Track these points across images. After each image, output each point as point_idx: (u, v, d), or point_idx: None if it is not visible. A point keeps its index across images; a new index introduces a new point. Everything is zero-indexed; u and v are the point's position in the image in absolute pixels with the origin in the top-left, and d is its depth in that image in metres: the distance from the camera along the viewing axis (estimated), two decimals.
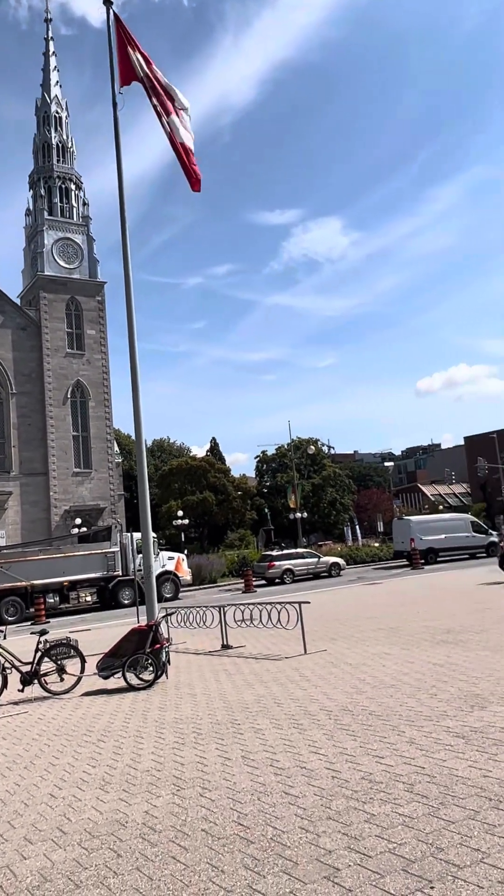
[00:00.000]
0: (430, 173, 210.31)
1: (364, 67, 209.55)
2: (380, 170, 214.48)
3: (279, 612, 14.03)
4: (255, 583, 33.84)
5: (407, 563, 37.46)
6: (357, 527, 66.71)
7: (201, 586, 37.17)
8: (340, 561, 38.05)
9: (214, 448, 79.44)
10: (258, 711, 8.56)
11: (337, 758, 6.28)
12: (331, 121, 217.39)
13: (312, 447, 67.14)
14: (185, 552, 39.99)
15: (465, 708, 7.57)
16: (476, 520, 42.74)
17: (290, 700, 9.02)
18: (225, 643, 14.76)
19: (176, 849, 4.69)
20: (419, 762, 5.90)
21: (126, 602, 30.32)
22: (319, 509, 69.32)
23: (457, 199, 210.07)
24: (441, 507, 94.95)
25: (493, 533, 41.81)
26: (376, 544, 53.41)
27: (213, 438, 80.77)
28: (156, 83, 14.25)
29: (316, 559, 36.98)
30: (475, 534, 39.76)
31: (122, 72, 14.57)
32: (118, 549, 31.96)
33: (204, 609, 16.55)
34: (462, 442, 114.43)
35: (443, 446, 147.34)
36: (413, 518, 42.64)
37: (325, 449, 79.48)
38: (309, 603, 14.10)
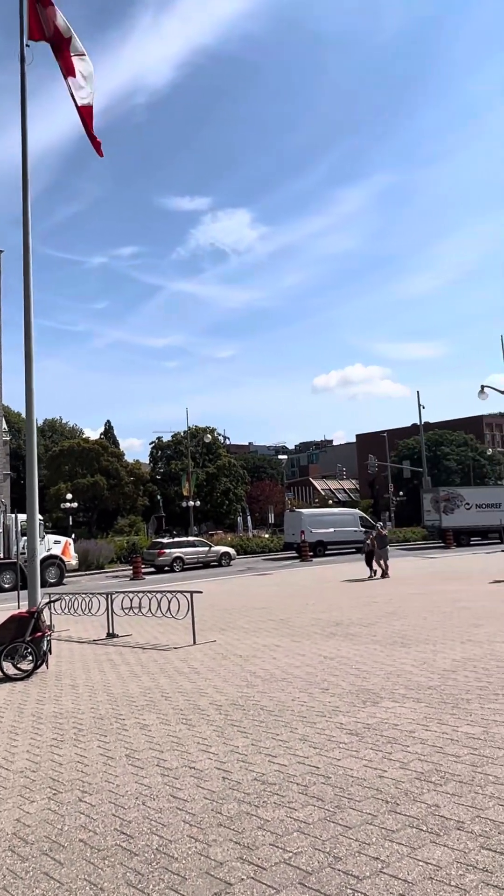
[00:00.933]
0: (338, 175, 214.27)
1: (281, 63, 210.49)
2: (290, 167, 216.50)
3: (169, 601, 13.62)
4: (144, 570, 33.21)
5: (296, 554, 37.92)
6: (249, 517, 67.19)
7: (88, 572, 36.07)
8: (231, 551, 37.99)
9: (108, 431, 77.67)
10: (144, 705, 8.14)
11: (228, 757, 5.98)
12: (246, 113, 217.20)
13: (209, 436, 66.90)
14: (73, 536, 38.70)
15: (358, 703, 7.47)
16: (364, 515, 43.88)
17: (179, 693, 8.66)
18: (111, 632, 14.19)
19: (50, 863, 4.23)
20: (313, 761, 5.69)
21: (7, 586, 28.91)
22: (213, 498, 69.23)
23: (363, 203, 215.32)
24: (331, 501, 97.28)
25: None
26: (267, 535, 53.90)
27: (108, 421, 79.04)
28: (61, 37, 13.37)
29: (207, 548, 36.74)
30: (363, 528, 40.81)
31: (32, 26, 13.59)
32: (1, 530, 30.43)
33: (90, 596, 15.88)
34: (354, 439, 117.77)
35: (335, 443, 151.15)
36: (304, 511, 43.24)
37: (221, 439, 79.50)
38: (201, 592, 13.77)
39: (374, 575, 23.93)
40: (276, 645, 11.84)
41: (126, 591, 15.32)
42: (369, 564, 24.51)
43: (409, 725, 6.50)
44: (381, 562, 23.76)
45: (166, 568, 34.70)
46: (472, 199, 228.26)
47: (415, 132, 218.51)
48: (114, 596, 14.76)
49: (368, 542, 24.95)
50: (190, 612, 12.87)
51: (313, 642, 11.84)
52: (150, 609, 14.34)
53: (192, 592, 13.11)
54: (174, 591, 13.79)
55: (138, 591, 14.98)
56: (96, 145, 13.66)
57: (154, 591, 14.53)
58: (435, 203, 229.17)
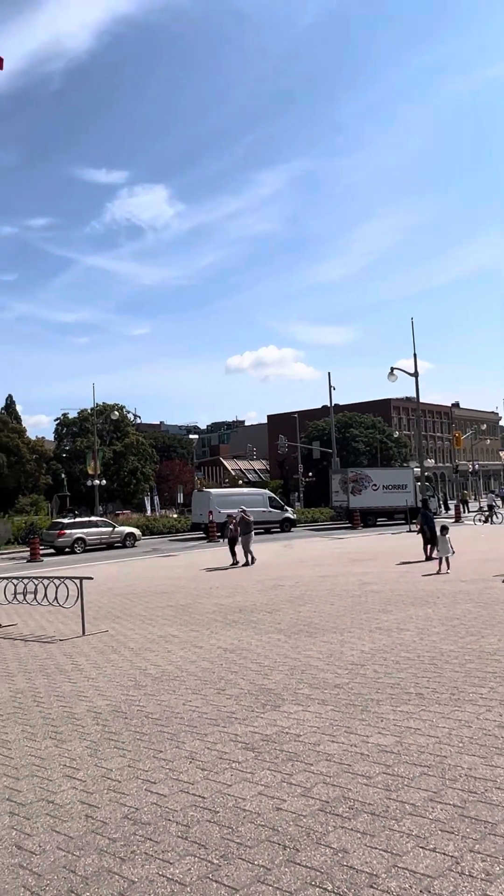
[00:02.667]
0: (257, 157, 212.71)
1: (205, 40, 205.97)
2: (210, 145, 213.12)
3: (57, 588, 12.38)
4: (42, 552, 31.47)
5: (204, 535, 37.03)
6: (157, 497, 65.69)
7: None
8: (136, 531, 36.68)
9: (10, 406, 73.96)
10: (10, 714, 6.97)
11: (97, 785, 4.94)
12: (166, 87, 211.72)
13: (116, 413, 64.75)
14: None
15: (256, 707, 6.59)
16: (273, 496, 43.44)
17: (55, 697, 7.53)
18: None
19: None
20: (199, 789, 4.73)
21: None
22: (119, 477, 67.26)
23: (279, 187, 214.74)
24: (241, 481, 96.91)
25: (288, 509, 42.78)
26: (175, 515, 52.77)
27: (10, 396, 75.18)
28: None
29: (110, 528, 35.28)
30: (272, 509, 40.34)
31: None
32: None
33: None
34: (265, 420, 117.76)
35: (247, 423, 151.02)
36: (212, 490, 42.34)
37: (130, 417, 77.34)
38: (91, 579, 12.59)
39: (237, 563, 21.79)
40: (172, 635, 10.85)
41: (11, 577, 13.93)
42: (233, 552, 22.29)
43: (313, 736, 5.65)
44: (246, 549, 21.73)
45: (67, 549, 33.06)
46: (385, 187, 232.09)
47: (333, 119, 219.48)
48: None
49: (231, 527, 22.62)
50: (79, 600, 11.69)
51: (213, 632, 10.93)
52: (44, 596, 13.05)
53: (81, 578, 11.92)
54: (62, 578, 12.54)
55: (24, 577, 13.62)
56: None
57: (41, 577, 13.22)
58: (350, 191, 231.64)
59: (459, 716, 5.92)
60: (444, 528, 17.37)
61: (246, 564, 21.57)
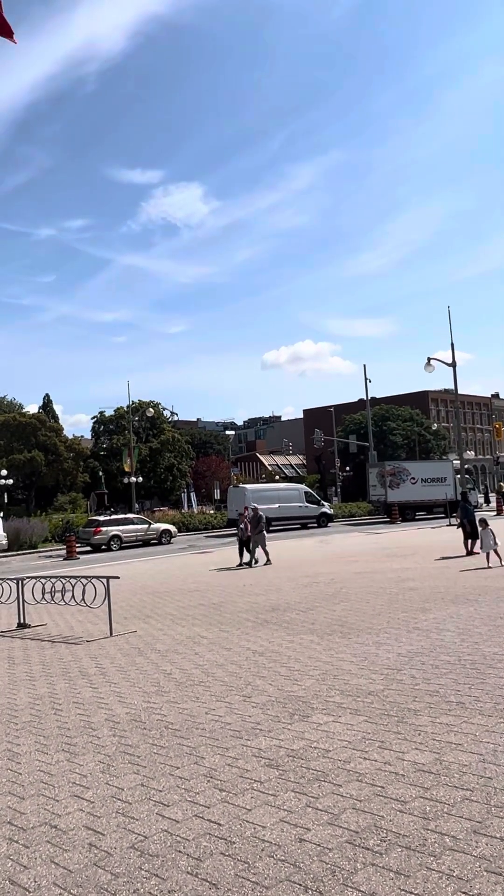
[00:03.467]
0: (291, 150, 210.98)
1: (236, 35, 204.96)
2: (243, 141, 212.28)
3: (84, 588, 12.08)
4: (79, 549, 31.48)
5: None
6: (193, 494, 65.64)
7: (20, 552, 34.13)
8: (172, 528, 36.50)
9: (47, 405, 74.72)
10: (26, 723, 6.63)
11: (105, 807, 4.54)
12: (199, 85, 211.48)
13: (151, 410, 64.79)
14: (1, 514, 36.57)
15: (284, 717, 6.13)
16: (310, 490, 42.88)
17: (74, 704, 7.18)
18: (21, 621, 12.61)
19: None
20: (216, 814, 4.30)
21: None
22: (156, 474, 67.35)
23: (314, 179, 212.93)
24: (277, 476, 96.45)
25: (325, 504, 42.17)
26: (211, 511, 52.57)
27: (47, 395, 75.96)
28: None
29: (146, 525, 35.15)
30: (308, 504, 39.80)
31: None
32: None
33: (1, 580, 14.21)
34: (302, 415, 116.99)
35: (284, 419, 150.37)
36: (248, 486, 41.93)
37: (167, 415, 77.46)
38: (118, 578, 12.27)
39: (256, 563, 20.22)
40: (201, 636, 10.46)
41: (39, 577, 13.70)
42: (241, 552, 20.89)
43: (343, 751, 5.17)
44: (262, 547, 20.40)
45: (103, 547, 33.04)
46: (421, 178, 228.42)
47: (368, 110, 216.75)
48: (26, 581, 13.14)
49: (242, 525, 20.98)
50: (106, 599, 11.37)
51: (243, 632, 10.50)
52: (71, 596, 12.79)
53: (108, 578, 11.59)
54: (89, 577, 12.24)
55: (52, 576, 13.38)
56: (7, 31, 11.70)
57: (68, 577, 12.95)
58: (386, 181, 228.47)
59: None
60: (484, 521, 16.67)
61: (251, 564, 20.24)
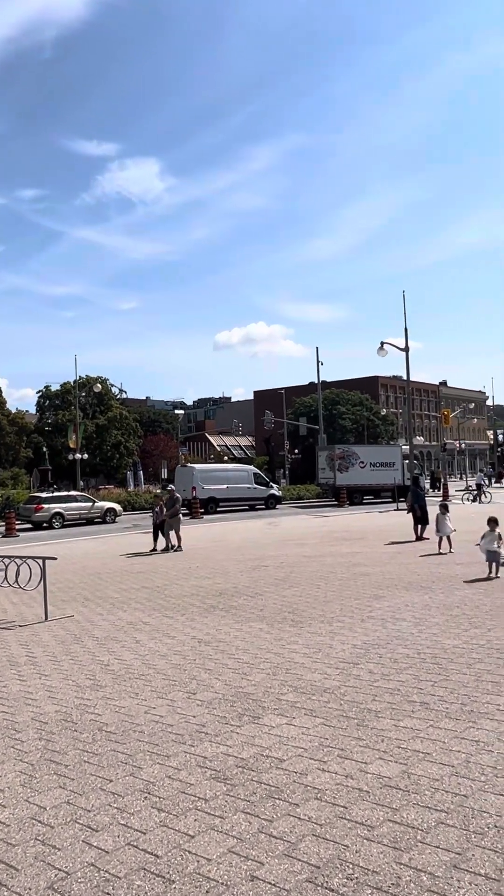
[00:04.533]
0: (250, 131, 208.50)
1: (198, 11, 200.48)
2: (203, 119, 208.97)
3: (18, 569, 11.25)
4: (19, 527, 30.31)
5: (187, 511, 35.99)
6: (140, 472, 64.48)
7: None
8: (117, 507, 35.54)
9: None
10: None
11: (22, 832, 3.86)
12: (160, 59, 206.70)
13: (99, 385, 63.12)
14: None
15: (232, 719, 5.53)
16: (259, 472, 42.39)
17: None
18: None
19: None
20: (152, 842, 3.67)
21: None
22: (102, 452, 65.90)
23: (273, 162, 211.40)
24: (226, 457, 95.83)
25: (273, 486, 41.77)
26: (158, 491, 51.66)
27: None
28: None
29: (90, 503, 34.12)
30: (257, 486, 39.32)
31: None
32: None
33: None
34: (252, 397, 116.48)
35: (234, 400, 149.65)
36: (196, 466, 41.18)
37: (116, 391, 75.74)
38: (55, 559, 11.48)
39: (173, 548, 19.02)
40: (143, 622, 9.80)
41: None
42: (155, 536, 19.70)
43: (299, 761, 4.60)
44: (173, 532, 19.20)
45: (45, 524, 31.95)
46: (380, 165, 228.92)
47: (329, 94, 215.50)
48: None
49: (157, 509, 19.79)
50: (42, 581, 10.58)
51: (188, 618, 9.88)
52: (4, 577, 11.93)
53: (44, 559, 10.79)
54: (24, 557, 11.41)
55: None
56: None
57: (2, 556, 12.08)
58: (344, 167, 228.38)
59: (476, 735, 4.89)
60: (444, 507, 16.39)
61: (166, 550, 19.04)
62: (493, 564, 11.92)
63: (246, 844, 3.57)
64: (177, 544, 19.30)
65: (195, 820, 3.87)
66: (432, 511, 17.81)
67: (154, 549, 19.40)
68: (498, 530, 12.03)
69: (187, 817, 3.90)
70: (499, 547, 11.94)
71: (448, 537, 15.83)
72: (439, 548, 15.84)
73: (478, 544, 12.54)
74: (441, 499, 40.09)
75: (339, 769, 4.43)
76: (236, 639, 8.44)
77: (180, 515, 19.84)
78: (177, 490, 39.39)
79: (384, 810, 3.85)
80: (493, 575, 11.79)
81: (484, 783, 4.12)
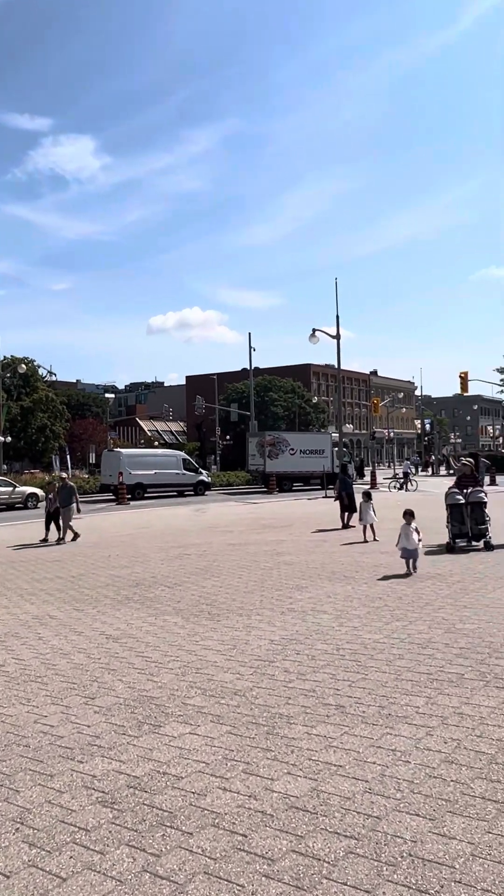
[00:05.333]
0: (189, 113, 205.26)
1: None
2: (142, 98, 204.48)
3: None
4: None
5: (113, 497, 35.06)
6: (68, 457, 62.77)
7: None
8: (39, 492, 34.19)
9: None
10: None
11: None
12: (98, 33, 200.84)
13: (24, 366, 60.88)
14: None
15: (131, 728, 5.01)
16: (188, 458, 41.70)
17: None
18: None
19: None
20: (16, 889, 3.12)
21: None
22: (27, 435, 63.78)
23: (211, 146, 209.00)
24: (157, 443, 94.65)
25: (203, 472, 41.24)
26: (85, 476, 50.41)
27: None
28: None
29: (10, 489, 32.78)
30: (186, 471, 38.68)
31: None
32: None
33: None
34: (184, 382, 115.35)
35: (167, 385, 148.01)
36: (124, 451, 40.19)
37: (43, 373, 73.40)
38: None
39: (46, 540, 17.96)
40: (50, 616, 9.14)
41: None
42: (47, 526, 18.37)
43: (198, 779, 4.12)
44: (65, 523, 17.92)
45: None
46: (317, 153, 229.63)
47: (269, 80, 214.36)
48: None
49: (51, 496, 18.45)
50: None
51: (100, 611, 9.28)
52: None
53: None
54: None
55: None
56: None
57: None
58: (282, 154, 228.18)
59: (393, 743, 4.53)
60: (368, 495, 16.21)
61: (60, 542, 17.70)
62: (411, 561, 11.32)
63: (126, 888, 3.06)
64: (66, 536, 17.98)
65: (71, 857, 3.34)
66: (360, 499, 17.66)
67: (45, 540, 18.14)
68: (414, 524, 11.42)
69: (62, 854, 3.37)
70: (418, 541, 11.39)
71: (371, 525, 15.67)
72: (364, 536, 15.67)
73: (397, 544, 11.53)
74: (368, 487, 40.45)
75: (243, 787, 3.97)
76: (148, 634, 7.90)
77: (74, 506, 18.24)
78: (103, 475, 38.55)
79: (288, 839, 3.41)
80: (411, 571, 11.24)
81: (399, 801, 3.74)
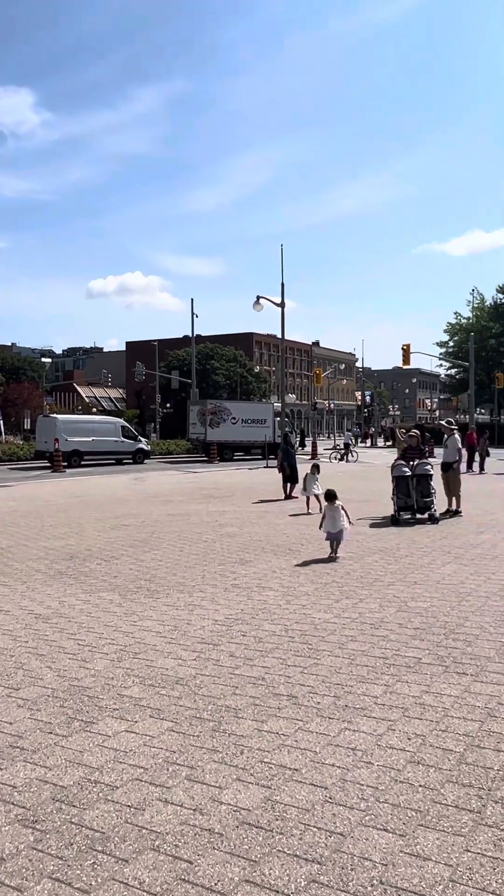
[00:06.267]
0: (136, 70, 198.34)
1: None
2: (85, 51, 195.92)
3: None
4: None
5: (48, 464, 33.90)
6: (1, 422, 60.62)
7: None
8: None
9: None
10: None
11: None
12: None
13: None
14: None
15: (59, 725, 4.45)
16: (127, 425, 40.65)
17: None
18: None
19: None
20: None
21: None
22: None
23: (157, 105, 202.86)
24: (95, 409, 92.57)
25: (142, 440, 40.34)
26: (20, 442, 48.78)
27: None
28: None
29: None
30: (124, 439, 37.73)
31: None
32: None
33: None
34: (124, 348, 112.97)
35: (106, 351, 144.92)
36: (59, 416, 38.87)
37: None
38: None
39: None
40: None
41: None
42: None
43: (136, 790, 3.61)
44: None
45: None
46: (264, 120, 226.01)
47: (217, 42, 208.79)
48: None
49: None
50: None
51: (30, 587, 8.62)
52: None
53: None
54: None
55: None
56: None
57: None
58: (229, 118, 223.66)
59: (352, 740, 4.11)
60: (316, 467, 15.82)
61: None
62: (334, 544, 10.18)
63: None
64: None
65: None
66: (303, 470, 17.32)
67: None
68: (339, 504, 10.16)
69: None
70: (347, 524, 10.15)
71: (317, 496, 15.34)
72: (307, 507, 15.34)
73: (320, 527, 10.36)
74: (310, 458, 40.39)
75: (186, 799, 3.48)
76: (81, 613, 7.32)
77: None
78: (38, 442, 37.19)
79: (240, 865, 2.94)
80: (333, 555, 10.04)
81: (364, 813, 3.32)
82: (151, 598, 7.90)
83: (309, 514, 15.01)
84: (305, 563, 9.75)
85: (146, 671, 5.43)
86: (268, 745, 4.08)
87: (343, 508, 10.20)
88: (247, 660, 5.64)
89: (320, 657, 5.66)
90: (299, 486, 17.01)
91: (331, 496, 10.42)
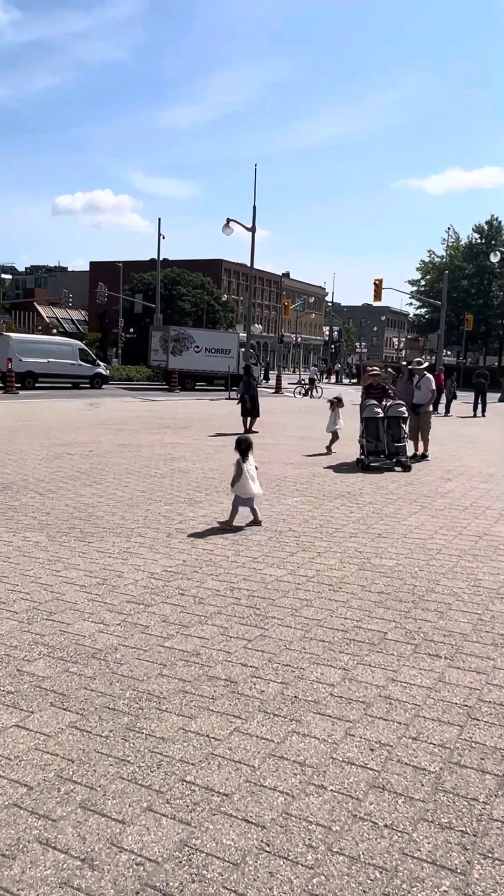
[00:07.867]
0: None
1: None
2: None
3: None
4: None
5: (1, 385, 32.30)
6: None
7: None
8: None
9: None
10: None
11: None
12: None
13: None
14: None
15: None
16: (85, 348, 38.86)
17: None
18: None
19: None
20: None
21: None
22: None
23: (134, 12, 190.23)
24: (56, 330, 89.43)
25: (101, 364, 38.72)
26: None
27: None
28: None
29: None
30: (82, 363, 36.11)
31: None
32: None
33: None
34: (88, 269, 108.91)
35: (70, 271, 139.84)
36: (14, 335, 36.95)
37: None
38: None
39: None
40: None
41: None
42: None
43: (12, 823, 2.70)
44: None
45: None
46: (249, 36, 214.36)
47: None
48: None
49: None
50: None
51: None
52: None
53: None
54: None
55: None
56: None
57: None
58: (212, 32, 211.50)
59: (300, 750, 3.26)
60: (339, 400, 14.62)
61: None
62: (257, 511, 7.96)
63: None
64: None
65: None
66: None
67: None
68: (252, 460, 7.99)
69: None
70: (258, 488, 7.96)
71: (336, 432, 14.40)
72: (330, 447, 14.38)
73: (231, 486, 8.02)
74: (273, 391, 39.39)
75: (76, 842, 2.59)
76: (5, 563, 6.32)
77: None
78: None
79: None
80: (257, 520, 7.85)
81: (313, 873, 2.46)
82: (83, 542, 6.94)
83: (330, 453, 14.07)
84: (260, 507, 8.85)
85: (58, 638, 4.50)
86: (193, 754, 3.20)
87: (256, 468, 8.03)
88: (181, 627, 4.75)
89: (269, 627, 4.79)
90: (264, 419, 16.01)
91: (244, 447, 7.85)
